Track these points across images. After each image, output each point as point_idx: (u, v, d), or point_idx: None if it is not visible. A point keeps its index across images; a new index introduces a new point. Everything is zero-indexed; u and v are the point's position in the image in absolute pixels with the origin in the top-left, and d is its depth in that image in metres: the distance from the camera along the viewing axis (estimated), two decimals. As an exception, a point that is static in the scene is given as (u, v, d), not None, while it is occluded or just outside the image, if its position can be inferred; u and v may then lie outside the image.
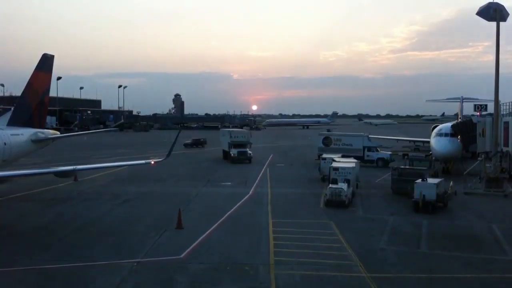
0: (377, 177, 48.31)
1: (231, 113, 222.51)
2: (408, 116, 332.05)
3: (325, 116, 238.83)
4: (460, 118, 72.30)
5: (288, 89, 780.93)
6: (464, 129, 53.15)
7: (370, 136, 64.76)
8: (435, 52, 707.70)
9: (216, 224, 28.69)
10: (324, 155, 49.54)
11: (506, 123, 45.53)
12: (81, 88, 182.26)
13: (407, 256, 23.49)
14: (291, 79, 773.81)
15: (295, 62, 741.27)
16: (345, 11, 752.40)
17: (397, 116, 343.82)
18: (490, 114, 51.48)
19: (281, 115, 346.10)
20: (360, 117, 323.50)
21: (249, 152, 64.55)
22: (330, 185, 35.74)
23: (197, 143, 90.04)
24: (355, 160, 44.57)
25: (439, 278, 20.46)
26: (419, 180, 34.08)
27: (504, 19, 43.85)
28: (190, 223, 28.56)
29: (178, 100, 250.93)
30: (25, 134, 38.06)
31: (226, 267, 21.27)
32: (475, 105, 61.41)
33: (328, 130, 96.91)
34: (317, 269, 20.88)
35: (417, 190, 33.07)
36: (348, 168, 38.59)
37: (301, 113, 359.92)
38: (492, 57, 46.14)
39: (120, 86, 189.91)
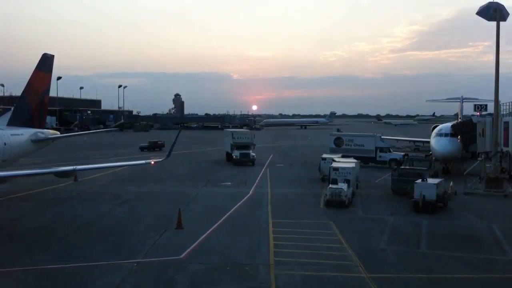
0: (377, 177, 48.26)
1: (231, 113, 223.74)
2: (408, 116, 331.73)
3: (324, 116, 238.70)
4: (460, 118, 72.35)
5: (288, 89, 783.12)
6: (464, 129, 53.16)
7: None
8: (435, 52, 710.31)
9: (216, 224, 28.69)
10: (324, 155, 49.44)
11: (506, 123, 45.46)
12: (81, 88, 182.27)
13: (407, 256, 23.49)
14: (291, 79, 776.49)
15: (295, 62, 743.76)
16: (345, 11, 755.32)
17: (397, 116, 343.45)
18: (490, 114, 51.46)
19: (281, 115, 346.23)
20: (379, 117, 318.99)
21: (252, 154, 61.30)
22: (330, 185, 35.77)
23: (154, 146, 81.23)
24: (355, 160, 44.50)
25: (439, 278, 20.47)
26: (419, 180, 34.12)
27: (504, 19, 43.82)
28: (190, 223, 28.57)
29: (178, 100, 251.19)
30: (25, 134, 38.01)
31: (226, 267, 21.26)
32: (475, 105, 61.44)
33: (338, 130, 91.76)
34: (317, 270, 20.87)
35: (417, 190, 33.10)
36: (348, 168, 38.59)
37: (301, 113, 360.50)
38: (492, 57, 46.25)
39: (120, 86, 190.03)
